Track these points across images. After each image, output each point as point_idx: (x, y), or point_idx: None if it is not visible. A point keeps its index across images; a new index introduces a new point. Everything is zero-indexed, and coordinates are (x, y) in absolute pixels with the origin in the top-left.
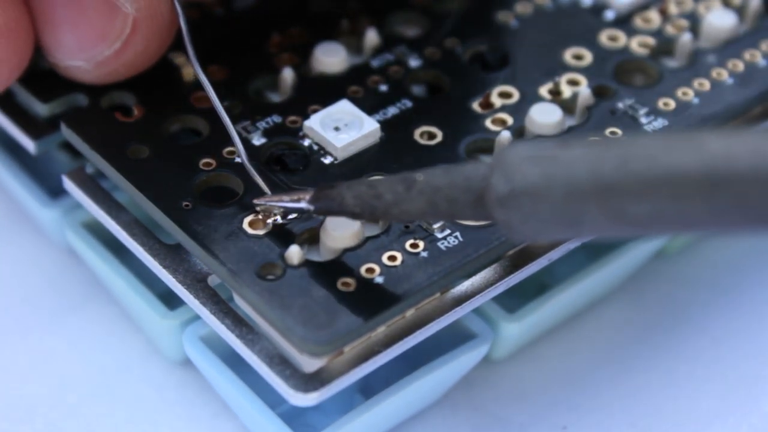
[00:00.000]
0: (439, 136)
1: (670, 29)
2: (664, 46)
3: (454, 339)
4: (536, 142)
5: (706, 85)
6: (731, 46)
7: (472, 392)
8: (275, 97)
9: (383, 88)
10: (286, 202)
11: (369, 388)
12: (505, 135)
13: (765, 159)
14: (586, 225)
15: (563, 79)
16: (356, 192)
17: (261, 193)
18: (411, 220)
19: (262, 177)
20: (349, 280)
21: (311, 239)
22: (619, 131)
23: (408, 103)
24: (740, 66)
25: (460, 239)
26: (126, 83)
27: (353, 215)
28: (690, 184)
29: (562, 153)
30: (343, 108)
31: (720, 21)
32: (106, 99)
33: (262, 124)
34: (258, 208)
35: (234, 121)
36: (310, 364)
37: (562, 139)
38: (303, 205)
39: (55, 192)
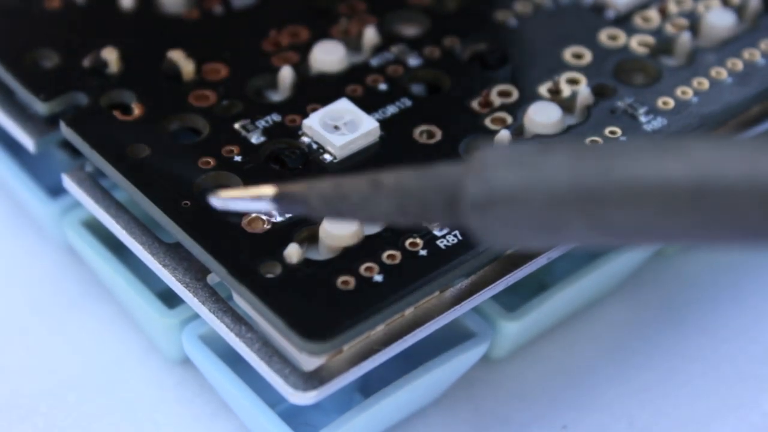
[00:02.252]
0: (439, 135)
1: (669, 28)
2: (664, 45)
3: (453, 338)
4: (513, 145)
5: (706, 84)
6: (730, 45)
7: (471, 391)
8: (274, 96)
9: (383, 86)
10: (246, 200)
11: (368, 387)
12: (505, 134)
13: (755, 171)
14: (566, 234)
15: (563, 78)
16: (320, 191)
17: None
18: (379, 223)
19: (262, 176)
20: (348, 278)
21: (310, 238)
22: (618, 130)
23: (407, 102)
24: (739, 65)
25: (459, 238)
26: (126, 82)
27: (318, 216)
28: (677, 194)
29: (541, 158)
30: (343, 107)
31: (719, 20)
32: (105, 98)
33: (261, 123)
34: (216, 206)
35: (233, 120)
36: (309, 362)
37: (541, 143)
38: (264, 204)
39: (55, 190)
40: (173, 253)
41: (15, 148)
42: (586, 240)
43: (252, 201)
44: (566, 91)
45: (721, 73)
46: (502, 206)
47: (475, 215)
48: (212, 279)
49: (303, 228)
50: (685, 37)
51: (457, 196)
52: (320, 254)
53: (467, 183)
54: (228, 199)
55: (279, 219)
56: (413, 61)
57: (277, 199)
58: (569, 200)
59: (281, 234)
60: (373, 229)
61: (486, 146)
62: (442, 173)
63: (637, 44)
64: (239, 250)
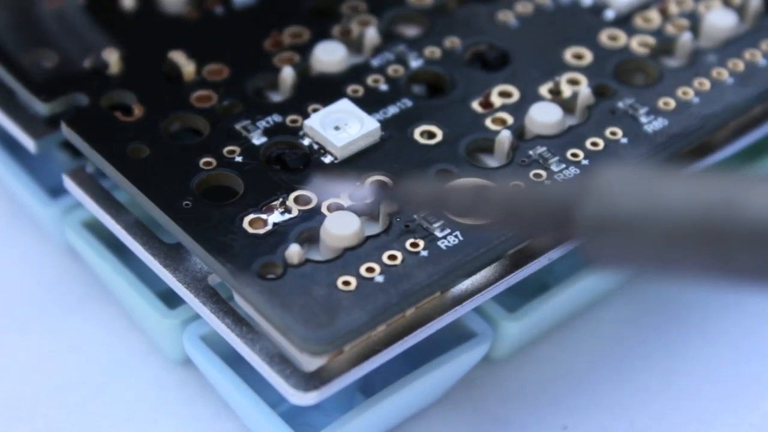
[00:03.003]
0: (439, 135)
1: (670, 29)
2: (665, 45)
3: (455, 338)
4: (633, 169)
5: (707, 84)
6: (731, 45)
7: (472, 392)
8: (275, 97)
9: (383, 87)
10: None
11: (369, 387)
12: (505, 134)
13: None
14: (682, 267)
15: (563, 79)
16: (422, 194)
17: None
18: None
19: (263, 175)
20: (349, 279)
21: (311, 238)
22: (619, 131)
23: (408, 103)
24: (740, 65)
25: (460, 238)
26: (126, 83)
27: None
28: None
29: (663, 185)
30: (344, 107)
31: (720, 20)
32: (106, 98)
33: (262, 124)
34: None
35: (234, 121)
36: (310, 363)
37: (659, 171)
38: (364, 192)
39: (56, 191)
40: (174, 254)
41: (15, 149)
42: (701, 276)
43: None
44: (567, 91)
45: (722, 74)
46: (617, 232)
47: (589, 237)
48: (213, 279)
49: (304, 228)
50: (685, 38)
51: (571, 210)
52: (321, 255)
53: (585, 201)
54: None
55: (280, 219)
56: (414, 61)
57: (378, 190)
58: (692, 234)
59: (282, 234)
60: (374, 230)
61: (607, 168)
62: (557, 187)
63: (637, 45)
64: (240, 250)
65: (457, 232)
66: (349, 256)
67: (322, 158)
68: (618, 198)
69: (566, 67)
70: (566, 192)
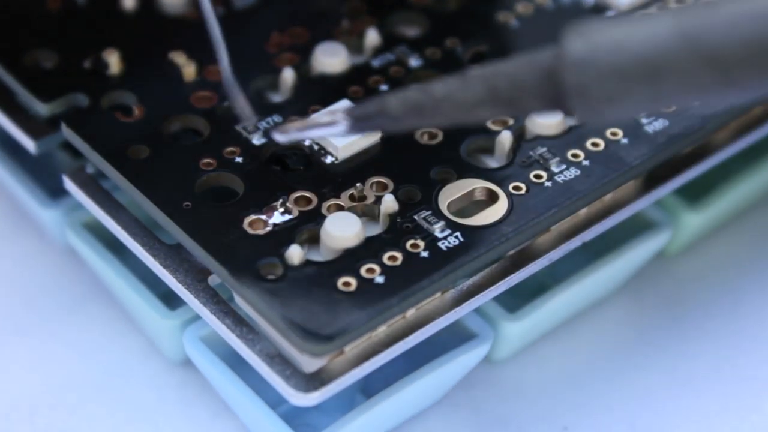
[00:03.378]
0: (440, 135)
1: None
2: None
3: (455, 339)
4: (597, 22)
5: None
6: None
7: (472, 392)
8: (276, 97)
9: (384, 88)
10: (317, 128)
11: (370, 388)
12: (506, 134)
13: None
14: (669, 84)
15: None
16: (401, 94)
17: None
18: (465, 118)
19: (263, 176)
20: (349, 279)
21: (312, 239)
22: (620, 131)
23: None
24: None
25: (461, 239)
26: (127, 83)
27: (394, 122)
28: None
29: (641, 17)
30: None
31: None
32: (106, 99)
33: (262, 124)
34: (281, 140)
35: (234, 122)
36: (310, 363)
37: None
38: (337, 128)
39: (56, 192)
40: (174, 255)
41: (16, 150)
42: (687, 93)
43: (323, 127)
44: None
45: None
46: (604, 57)
47: (575, 76)
48: (213, 280)
49: (304, 229)
50: None
51: (554, 65)
52: (321, 255)
53: (566, 43)
54: (295, 131)
55: (280, 220)
56: (414, 62)
57: (350, 115)
58: (677, 42)
59: (282, 235)
60: (374, 230)
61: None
62: (536, 53)
63: None
64: (240, 251)
65: (458, 233)
66: (349, 257)
67: (322, 158)
68: (601, 28)
69: None
70: (544, 52)
